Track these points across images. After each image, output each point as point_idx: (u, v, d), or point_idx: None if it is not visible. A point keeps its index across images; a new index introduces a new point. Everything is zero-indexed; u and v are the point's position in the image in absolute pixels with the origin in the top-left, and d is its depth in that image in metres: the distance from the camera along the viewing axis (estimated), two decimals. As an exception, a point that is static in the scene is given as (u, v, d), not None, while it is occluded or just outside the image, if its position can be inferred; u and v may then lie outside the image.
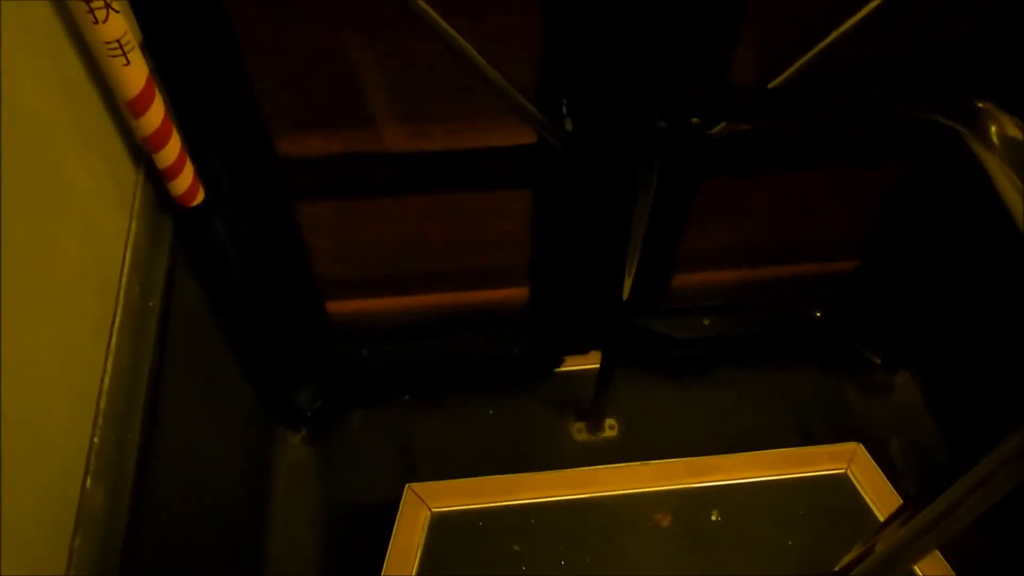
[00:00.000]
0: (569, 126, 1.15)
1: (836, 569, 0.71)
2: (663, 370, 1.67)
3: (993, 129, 0.46)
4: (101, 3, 0.74)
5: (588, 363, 1.67)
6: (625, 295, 1.30)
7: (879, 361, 1.67)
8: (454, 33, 0.99)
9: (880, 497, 1.35)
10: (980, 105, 0.47)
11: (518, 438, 1.58)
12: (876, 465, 1.37)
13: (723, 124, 1.12)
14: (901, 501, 1.32)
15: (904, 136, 1.23)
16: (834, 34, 0.87)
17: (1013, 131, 0.46)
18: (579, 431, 1.60)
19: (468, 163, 1.23)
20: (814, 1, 0.98)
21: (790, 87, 0.92)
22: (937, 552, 1.22)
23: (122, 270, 0.91)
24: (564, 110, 1.14)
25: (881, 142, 1.24)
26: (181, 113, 0.98)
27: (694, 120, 1.11)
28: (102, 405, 0.82)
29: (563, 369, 1.67)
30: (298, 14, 1.01)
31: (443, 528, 1.30)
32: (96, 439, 0.79)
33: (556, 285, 1.50)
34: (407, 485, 1.31)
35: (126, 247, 0.92)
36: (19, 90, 0.70)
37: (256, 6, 0.98)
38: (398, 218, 1.33)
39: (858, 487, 1.36)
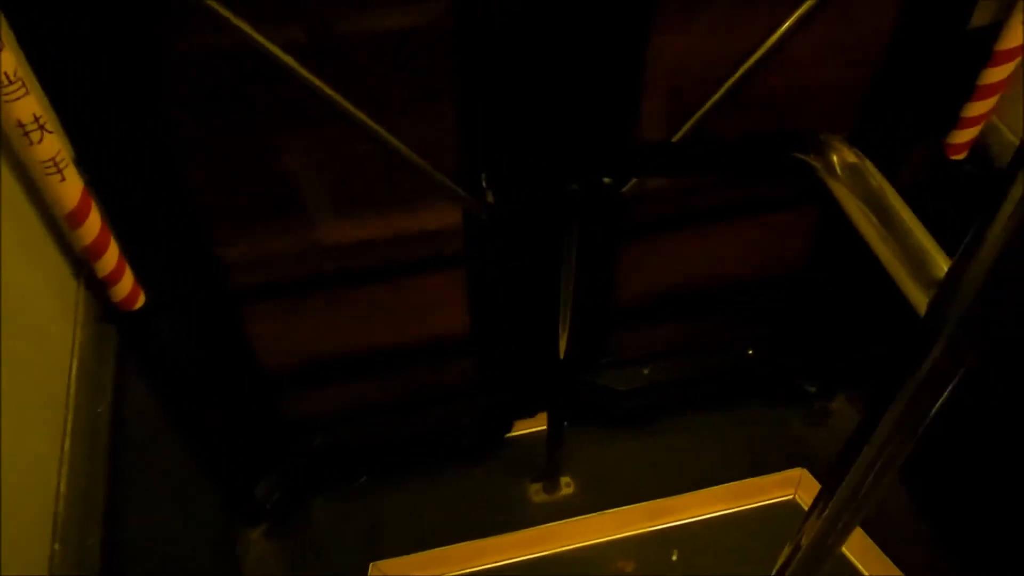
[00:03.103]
0: (490, 198, 1.22)
1: (772, 574, 0.76)
2: (613, 423, 1.71)
3: (835, 158, 0.54)
4: (35, 126, 0.79)
5: (538, 425, 1.70)
6: (561, 354, 1.36)
7: (814, 389, 1.75)
8: (372, 123, 1.06)
9: (829, 518, 1.40)
10: (822, 138, 0.55)
11: (478, 507, 1.60)
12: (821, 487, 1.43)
13: (633, 182, 1.20)
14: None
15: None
16: (713, 99, 0.96)
17: (851, 158, 0.54)
18: (537, 492, 1.62)
19: (401, 247, 1.29)
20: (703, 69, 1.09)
21: (677, 144, 1.02)
22: (860, 531, 1.27)
23: (70, 378, 0.93)
24: (484, 183, 1.21)
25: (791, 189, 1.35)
26: (118, 221, 1.01)
27: (606, 180, 1.19)
28: (60, 510, 0.83)
29: (515, 434, 1.71)
30: (226, 117, 1.07)
31: (412, 603, 1.31)
32: (57, 545, 0.81)
33: (499, 352, 1.55)
34: (371, 564, 1.32)
35: (72, 355, 0.95)
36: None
37: (184, 116, 1.03)
38: (339, 305, 1.37)
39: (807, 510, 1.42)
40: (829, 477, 0.60)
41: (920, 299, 0.45)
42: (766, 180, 1.17)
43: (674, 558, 1.35)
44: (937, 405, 0.46)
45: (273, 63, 0.96)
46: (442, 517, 1.57)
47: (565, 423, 1.54)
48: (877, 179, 0.51)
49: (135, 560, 0.99)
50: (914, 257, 0.46)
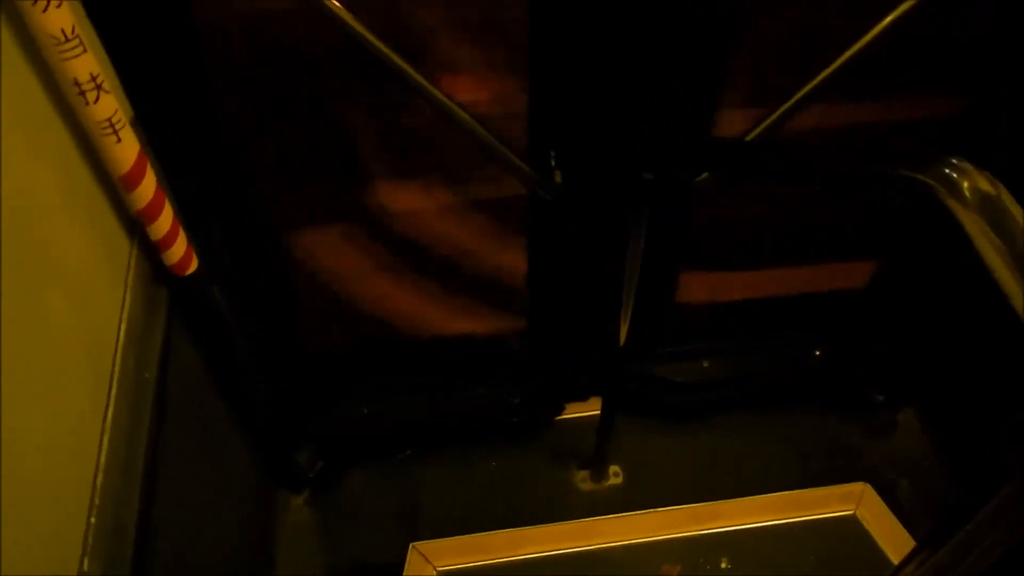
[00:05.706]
0: (558, 178, 1.16)
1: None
2: (666, 415, 1.66)
3: (965, 184, 0.47)
4: (92, 85, 0.75)
5: (589, 410, 1.66)
6: (622, 341, 1.30)
7: (881, 399, 1.66)
8: (439, 95, 1.01)
9: (890, 538, 1.33)
10: (953, 161, 0.48)
11: (522, 490, 1.56)
12: (885, 505, 1.35)
13: (707, 174, 1.13)
14: (912, 542, 1.30)
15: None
16: (805, 89, 0.88)
17: (985, 185, 0.47)
18: (583, 480, 1.58)
19: (461, 217, 1.24)
20: (793, 59, 1.01)
21: (771, 143, 0.94)
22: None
23: (117, 343, 0.91)
24: (553, 163, 1.15)
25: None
26: (174, 185, 0.99)
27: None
28: (99, 482, 0.81)
29: (564, 417, 1.66)
30: (287, 82, 1.03)
31: (449, 587, 1.29)
32: (93, 519, 0.79)
33: (554, 333, 1.51)
34: (411, 544, 1.30)
35: (121, 319, 0.92)
36: (14, 170, 0.71)
37: (244, 78, 0.99)
38: (392, 273, 1.33)
39: (868, 528, 1.35)
40: (932, 534, 0.54)
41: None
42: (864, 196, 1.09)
43: (724, 565, 1.30)
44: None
45: (335, 24, 0.91)
46: (486, 497, 1.55)
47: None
48: (1019, 217, 0.44)
49: (170, 527, 0.98)
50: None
